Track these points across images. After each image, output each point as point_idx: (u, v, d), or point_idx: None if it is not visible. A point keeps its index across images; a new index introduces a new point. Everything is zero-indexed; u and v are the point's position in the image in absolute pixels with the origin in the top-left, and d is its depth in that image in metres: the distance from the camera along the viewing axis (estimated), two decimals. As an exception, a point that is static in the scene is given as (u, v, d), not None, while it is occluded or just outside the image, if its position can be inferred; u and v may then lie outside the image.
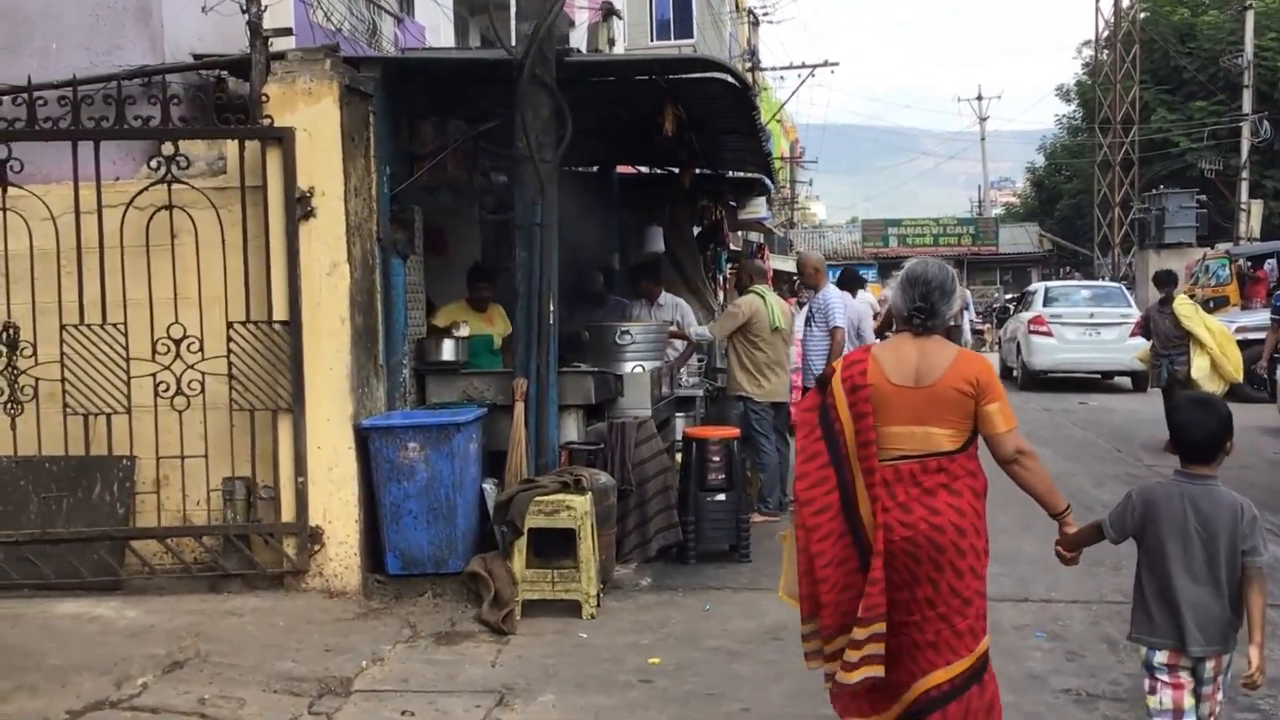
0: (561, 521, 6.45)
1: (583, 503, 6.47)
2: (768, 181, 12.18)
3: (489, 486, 6.89)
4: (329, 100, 6.38)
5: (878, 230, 49.67)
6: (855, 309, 10.38)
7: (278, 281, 6.39)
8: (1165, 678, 3.79)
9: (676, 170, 11.40)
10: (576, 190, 11.81)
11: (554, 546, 6.67)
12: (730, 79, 7.95)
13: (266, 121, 6.35)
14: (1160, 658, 3.79)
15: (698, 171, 12.59)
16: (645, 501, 7.66)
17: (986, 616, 4.08)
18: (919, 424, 3.98)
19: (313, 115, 6.38)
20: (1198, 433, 3.82)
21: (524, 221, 7.12)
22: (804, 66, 32.07)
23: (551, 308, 7.08)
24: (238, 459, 6.42)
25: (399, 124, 7.28)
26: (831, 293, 9.63)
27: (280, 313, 6.39)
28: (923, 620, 3.95)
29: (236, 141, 6.40)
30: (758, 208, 13.49)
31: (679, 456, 8.31)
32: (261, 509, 6.47)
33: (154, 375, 6.33)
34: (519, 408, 7.06)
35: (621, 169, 13.24)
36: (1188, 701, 3.78)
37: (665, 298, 10.43)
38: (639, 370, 8.48)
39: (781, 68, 34.69)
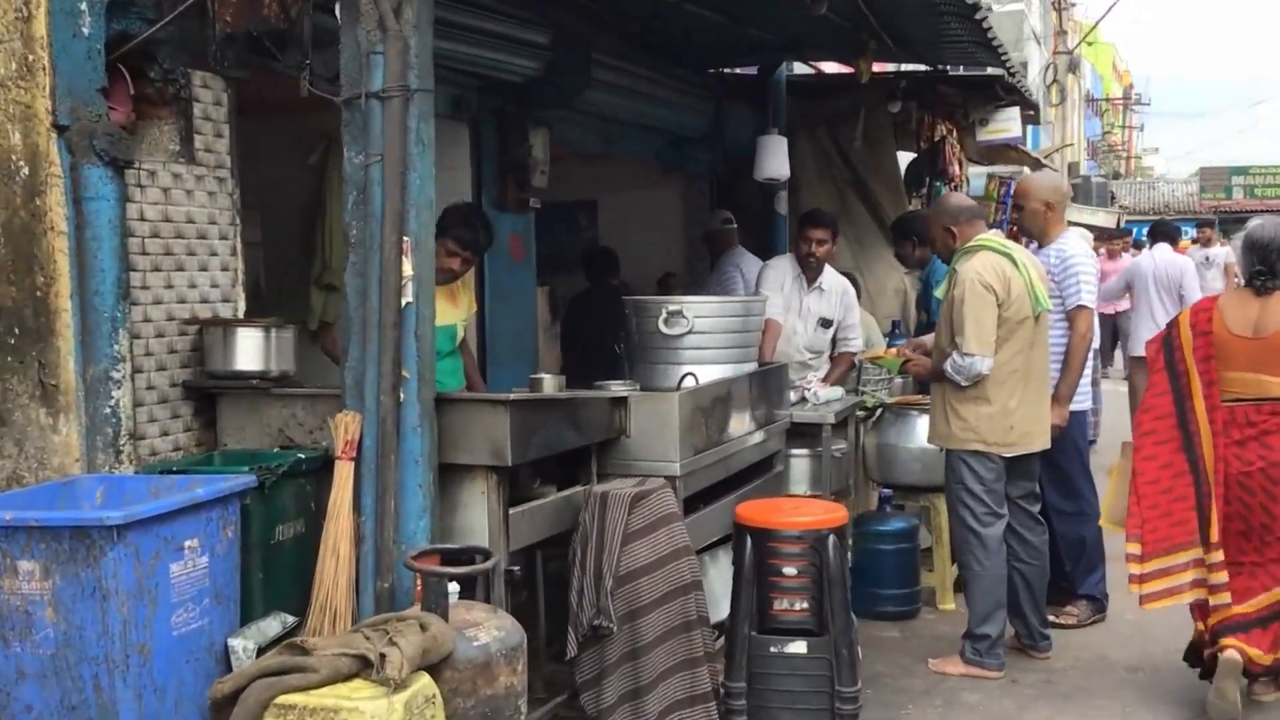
0: (333, 755, 2.83)
1: (384, 713, 2.83)
2: (1005, 74, 7.93)
3: (241, 644, 3.32)
4: None
5: (1220, 179, 42.19)
6: (1172, 265, 8.57)
7: None
8: None
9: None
10: (714, 98, 8.03)
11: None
12: None
13: None
14: None
15: (898, 69, 8.52)
16: (641, 651, 3.91)
17: None
18: (1253, 371, 4.38)
19: None
20: None
21: (350, 91, 3.48)
22: (1124, -24, 26.33)
23: (407, 271, 3.43)
24: None
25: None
26: (1072, 245, 5.45)
27: None
28: (1261, 545, 4.40)
29: None
30: (1007, 125, 9.20)
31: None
32: None
33: None
34: (341, 472, 3.48)
35: (801, 72, 9.34)
36: None
37: (831, 279, 6.33)
38: (690, 381, 4.71)
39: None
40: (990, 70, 8.14)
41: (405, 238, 3.41)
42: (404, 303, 3.42)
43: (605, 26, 6.27)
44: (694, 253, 8.86)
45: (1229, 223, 35.97)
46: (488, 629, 3.26)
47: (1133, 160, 59.47)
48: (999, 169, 11.97)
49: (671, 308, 4.91)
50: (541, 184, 5.87)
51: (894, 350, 5.51)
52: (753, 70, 8.69)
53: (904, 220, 7.28)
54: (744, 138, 8.65)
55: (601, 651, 3.93)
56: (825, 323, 6.24)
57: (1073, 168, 39.86)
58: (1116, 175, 50.63)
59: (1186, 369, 4.46)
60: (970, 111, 8.91)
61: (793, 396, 5.78)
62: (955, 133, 9.28)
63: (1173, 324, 4.64)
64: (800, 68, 9.41)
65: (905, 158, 9.48)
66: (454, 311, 4.74)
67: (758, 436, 5.06)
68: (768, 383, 5.22)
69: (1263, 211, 28.84)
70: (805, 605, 3.97)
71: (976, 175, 12.19)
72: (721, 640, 4.22)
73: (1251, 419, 4.38)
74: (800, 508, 4.21)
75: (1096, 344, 5.99)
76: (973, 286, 4.86)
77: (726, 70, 8.63)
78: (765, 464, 5.30)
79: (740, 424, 4.89)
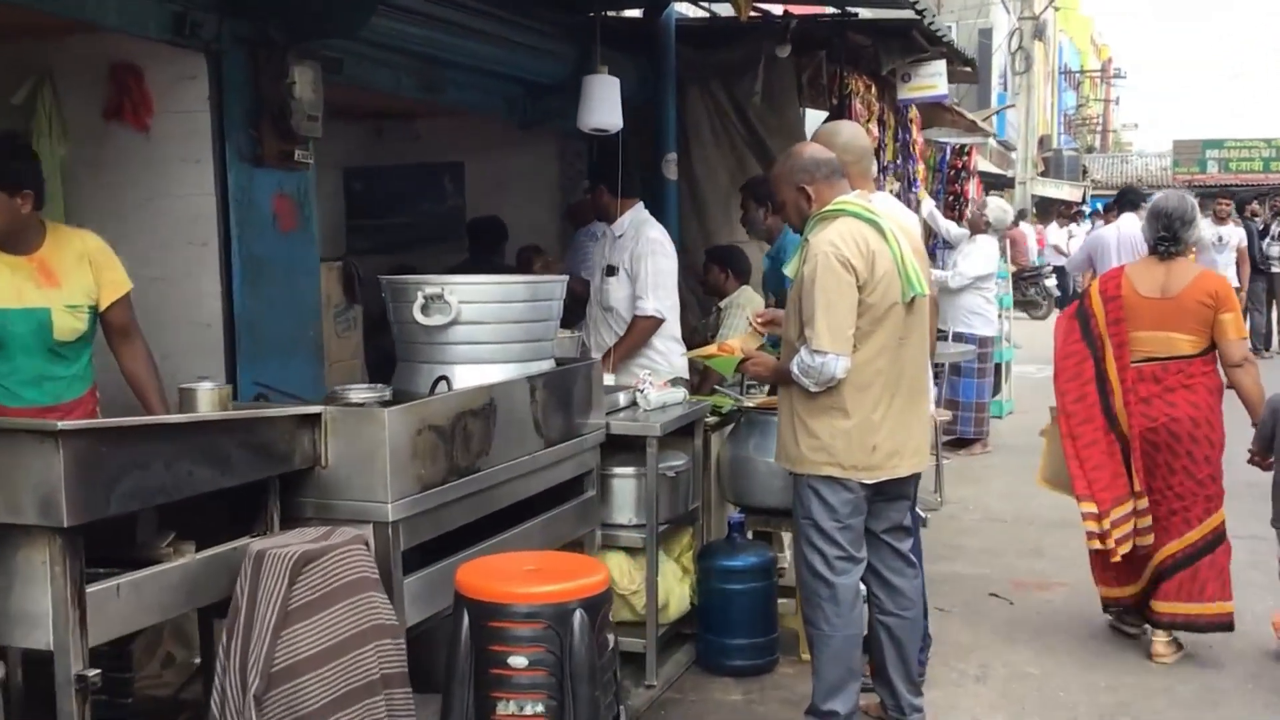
0: None
1: None
2: (914, 15, 6.72)
3: None
4: None
5: (1193, 153, 41.17)
6: (1139, 237, 7.63)
7: None
8: None
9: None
10: (578, 43, 6.84)
11: None
12: None
13: None
14: None
15: (803, 12, 7.38)
16: (303, 777, 2.79)
17: (1222, 497, 4.75)
18: (1162, 330, 4.68)
19: None
20: None
21: None
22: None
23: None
24: None
25: None
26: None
27: None
28: (1161, 499, 4.72)
29: None
30: (932, 81, 8.07)
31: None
32: None
33: None
34: None
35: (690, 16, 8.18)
36: None
37: (628, 222, 5.47)
38: (443, 387, 3.60)
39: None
40: (901, 14, 6.97)
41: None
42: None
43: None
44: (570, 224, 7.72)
45: (1203, 198, 35.01)
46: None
47: (1110, 135, 58.53)
48: (935, 134, 10.81)
49: (430, 290, 3.78)
50: (312, 132, 4.68)
51: (735, 342, 4.34)
52: (638, 13, 7.54)
53: (757, 182, 6.13)
54: (626, 91, 7.49)
55: (249, 777, 2.80)
56: (610, 270, 5.41)
57: (1044, 140, 38.81)
58: (1091, 149, 49.59)
59: (1100, 334, 4.79)
60: (884, 63, 7.72)
61: (622, 399, 4.67)
62: (874, 89, 8.11)
63: (1084, 294, 5.02)
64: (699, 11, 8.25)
65: (819, 118, 8.33)
66: (45, 292, 3.51)
67: (548, 457, 3.93)
68: (567, 386, 4.08)
69: (1237, 185, 27.83)
70: (540, 709, 2.86)
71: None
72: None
73: (1158, 376, 4.70)
74: (544, 569, 3.07)
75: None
76: (826, 263, 3.73)
77: (611, 14, 7.47)
78: (571, 488, 4.19)
79: (518, 442, 3.76)
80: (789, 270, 3.97)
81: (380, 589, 2.95)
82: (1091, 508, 4.74)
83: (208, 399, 3.04)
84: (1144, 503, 4.71)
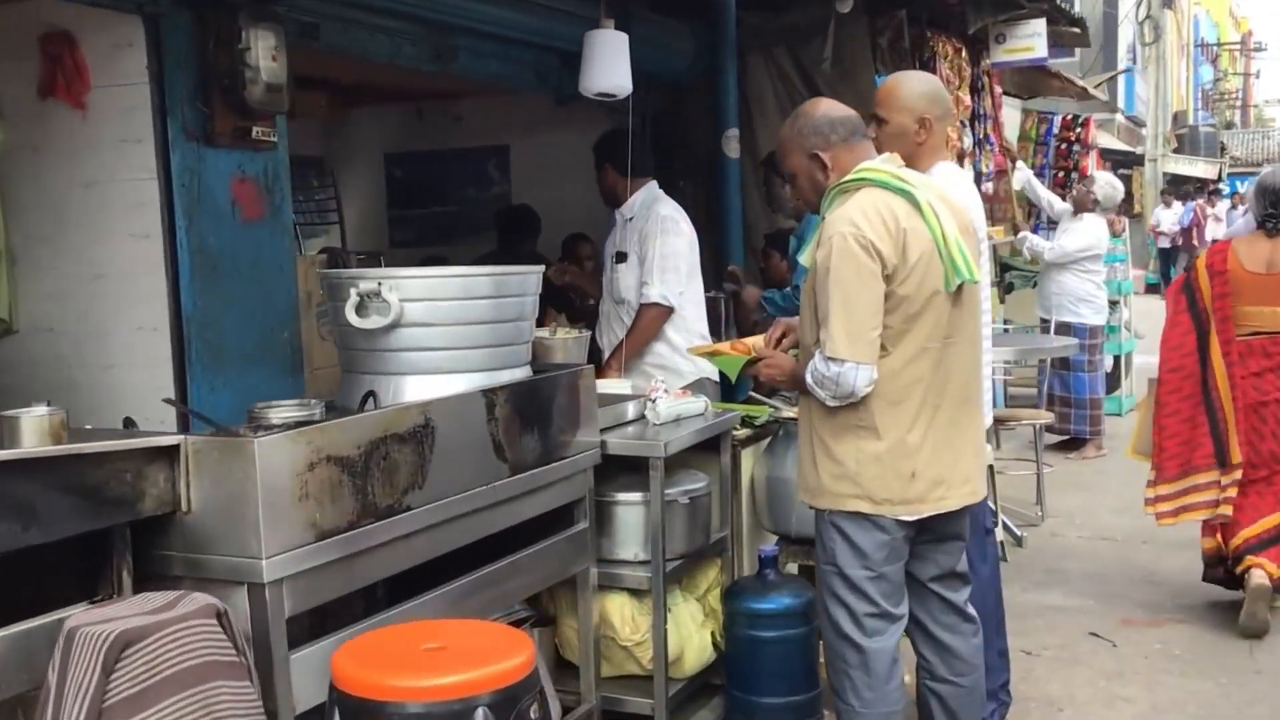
0: None
1: None
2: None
3: None
4: None
5: (1341, 126, 38.71)
6: None
7: None
8: None
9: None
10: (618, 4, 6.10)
11: None
12: None
13: None
14: None
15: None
16: None
17: None
18: (1270, 304, 4.74)
19: None
20: None
21: None
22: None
23: None
24: None
25: None
26: (954, 184, 3.37)
27: None
28: (1271, 473, 4.80)
29: None
30: (1030, 42, 7.12)
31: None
32: None
33: None
34: None
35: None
36: None
37: (643, 196, 4.92)
38: (371, 403, 2.94)
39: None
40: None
41: None
42: None
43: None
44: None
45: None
46: None
47: (1251, 110, 55.55)
48: (1040, 104, 9.78)
49: (365, 286, 3.11)
50: (276, 106, 4.04)
51: (752, 340, 3.57)
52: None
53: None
54: (682, 61, 6.80)
55: None
56: (620, 256, 4.85)
57: (1179, 116, 36.76)
58: (1230, 125, 47.03)
59: (1205, 307, 4.83)
60: (971, 21, 6.82)
61: (631, 411, 3.95)
62: (964, 52, 7.22)
63: (1190, 267, 5.06)
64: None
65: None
66: None
67: (515, 486, 3.22)
68: (544, 398, 3.37)
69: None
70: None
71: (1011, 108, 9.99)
72: None
73: (1269, 350, 4.77)
74: (450, 649, 2.34)
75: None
76: (843, 247, 2.95)
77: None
78: (557, 520, 3.48)
79: (472, 470, 3.07)
80: (804, 259, 3.20)
81: (237, 674, 2.29)
82: (1153, 475, 4.96)
83: (34, 429, 2.41)
84: (1235, 475, 4.77)
